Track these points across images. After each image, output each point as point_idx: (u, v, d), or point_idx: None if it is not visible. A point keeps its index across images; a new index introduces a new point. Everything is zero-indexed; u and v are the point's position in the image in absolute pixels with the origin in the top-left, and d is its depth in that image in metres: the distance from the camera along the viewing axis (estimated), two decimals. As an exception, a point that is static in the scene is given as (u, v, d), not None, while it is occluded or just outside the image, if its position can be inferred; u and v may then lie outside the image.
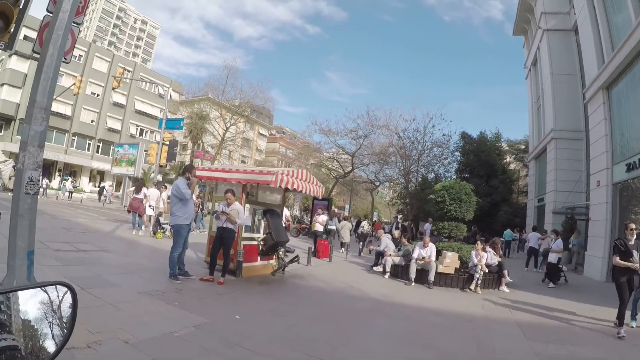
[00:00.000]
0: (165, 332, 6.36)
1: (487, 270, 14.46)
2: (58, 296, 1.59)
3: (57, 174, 57.71)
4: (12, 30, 6.02)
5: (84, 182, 61.63)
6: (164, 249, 13.69)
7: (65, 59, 6.54)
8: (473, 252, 14.57)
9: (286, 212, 22.13)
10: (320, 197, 17.02)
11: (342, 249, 22.57)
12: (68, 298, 1.62)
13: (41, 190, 36.48)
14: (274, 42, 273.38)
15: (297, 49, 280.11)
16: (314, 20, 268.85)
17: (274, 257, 13.25)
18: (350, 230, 25.99)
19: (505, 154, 48.81)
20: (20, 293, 1.50)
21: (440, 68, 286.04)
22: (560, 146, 30.03)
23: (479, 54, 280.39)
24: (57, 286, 1.60)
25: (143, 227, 19.22)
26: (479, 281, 14.14)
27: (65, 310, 1.61)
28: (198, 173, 12.16)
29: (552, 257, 17.08)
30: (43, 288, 1.56)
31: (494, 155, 44.19)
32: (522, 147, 49.26)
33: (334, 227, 21.95)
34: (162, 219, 18.87)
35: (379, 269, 16.35)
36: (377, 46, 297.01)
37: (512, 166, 50.43)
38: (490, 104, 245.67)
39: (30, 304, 1.49)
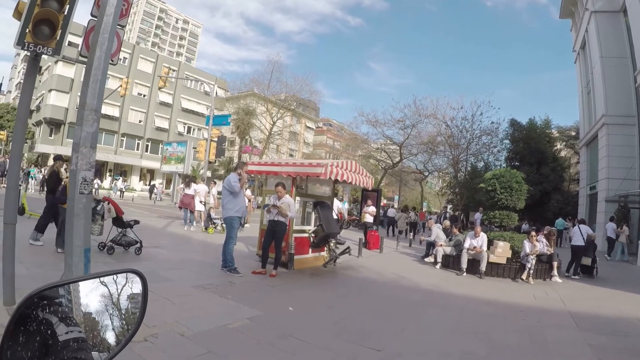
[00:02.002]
0: (219, 325, 6.45)
1: (539, 260, 14.26)
2: (128, 284, 1.62)
3: (108, 174, 58.84)
4: (58, 36, 6.10)
5: (135, 180, 62.84)
6: (215, 244, 13.92)
7: (112, 61, 6.62)
8: (526, 242, 14.37)
9: (340, 205, 22.16)
10: (369, 188, 16.95)
11: (399, 236, 22.96)
12: (138, 286, 1.63)
13: (93, 190, 37.27)
14: (316, 35, 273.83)
15: (339, 41, 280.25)
16: (354, 11, 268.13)
17: (325, 249, 13.38)
18: (407, 221, 27.25)
19: (555, 141, 47.75)
20: (90, 282, 1.52)
21: (485, 56, 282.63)
22: (612, 132, 29.26)
23: (524, 39, 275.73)
24: (128, 274, 1.63)
25: (194, 223, 19.49)
26: (531, 271, 13.94)
27: (136, 298, 1.63)
28: (249, 168, 12.24)
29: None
30: (114, 277, 1.57)
31: (544, 142, 43.25)
32: (573, 133, 48.22)
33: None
34: (213, 214, 19.09)
35: (430, 259, 16.30)
36: (420, 35, 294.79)
37: (562, 153, 49.31)
38: (539, 91, 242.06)
39: (99, 292, 1.51)
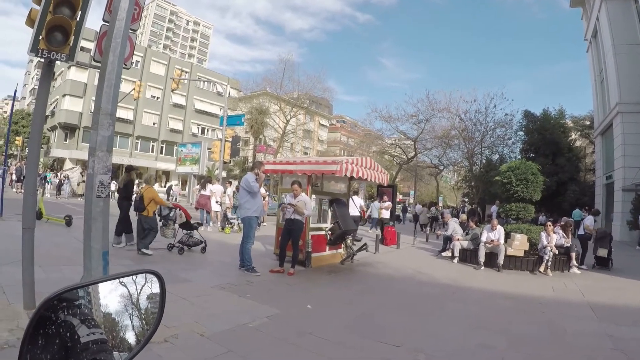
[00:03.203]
0: (238, 324, 6.47)
1: (557, 252, 14.18)
2: (146, 284, 1.63)
3: (123, 176, 59.19)
4: (71, 42, 6.16)
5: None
6: (232, 243, 14.00)
7: (126, 65, 6.66)
8: (543, 234, 14.28)
9: (360, 202, 22.15)
10: (385, 184, 16.91)
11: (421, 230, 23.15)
12: (156, 287, 1.65)
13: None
14: (326, 33, 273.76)
15: (349, 38, 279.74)
16: (363, 7, 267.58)
17: (342, 246, 13.37)
18: (428, 216, 27.95)
19: (570, 131, 47.32)
20: (109, 283, 1.52)
21: (496, 48, 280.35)
22: (627, 120, 29.00)
23: (535, 31, 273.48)
24: (146, 274, 1.64)
25: (211, 223, 19.54)
26: (549, 263, 13.85)
27: (154, 298, 1.64)
28: (264, 167, 12.28)
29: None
30: (132, 277, 1.58)
31: (559, 132, 42.84)
32: (587, 122, 47.75)
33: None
34: (229, 214, 19.16)
35: (448, 254, 16.21)
36: (429, 29, 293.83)
37: (577, 143, 48.86)
38: (552, 81, 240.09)
39: (118, 293, 1.52)
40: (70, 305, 1.33)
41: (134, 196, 13.35)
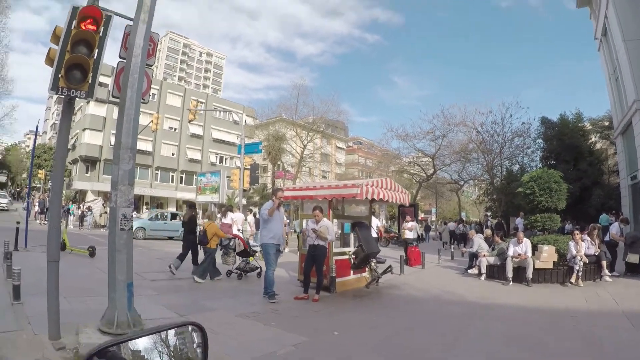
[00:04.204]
0: (266, 353, 6.44)
1: (587, 261, 13.96)
2: (187, 337, 1.62)
3: (144, 207, 59.64)
4: (90, 80, 6.28)
5: (171, 212, 63.48)
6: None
7: (144, 100, 6.83)
8: (571, 243, 14.10)
9: (377, 222, 22.06)
10: (407, 204, 16.79)
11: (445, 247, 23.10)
12: (197, 339, 1.64)
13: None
14: (336, 56, 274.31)
15: (360, 59, 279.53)
16: (371, 28, 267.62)
17: (367, 269, 13.25)
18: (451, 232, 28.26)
19: (589, 134, 46.60)
20: (149, 337, 1.50)
21: (505, 56, 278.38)
22: (646, 116, 28.58)
23: (544, 35, 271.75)
24: (187, 326, 1.65)
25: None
26: (580, 273, 13.66)
27: (195, 352, 1.63)
28: (285, 194, 12.29)
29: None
30: (173, 330, 1.58)
31: (578, 137, 42.03)
32: (606, 123, 47.04)
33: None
34: (251, 242, 19.16)
35: (474, 271, 16.04)
36: (438, 44, 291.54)
37: (598, 145, 48.16)
38: (566, 85, 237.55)
39: (158, 348, 1.50)
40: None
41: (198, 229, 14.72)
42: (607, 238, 16.58)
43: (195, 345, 1.61)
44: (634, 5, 29.46)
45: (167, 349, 1.50)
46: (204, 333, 1.63)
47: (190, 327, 1.63)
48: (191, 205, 15.64)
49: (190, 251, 13.89)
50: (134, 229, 25.65)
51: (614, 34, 31.64)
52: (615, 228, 16.66)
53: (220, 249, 14.08)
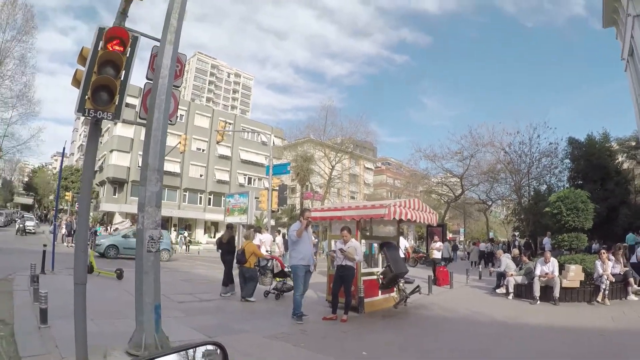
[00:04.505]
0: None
1: (613, 280, 13.96)
2: (209, 356, 1.65)
3: (172, 228, 59.88)
4: (116, 101, 6.31)
5: (199, 234, 63.53)
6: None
7: (171, 122, 6.91)
8: (598, 262, 14.07)
9: (405, 243, 22.09)
10: (434, 224, 16.87)
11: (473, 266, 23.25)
12: (220, 358, 1.67)
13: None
14: (365, 76, 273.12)
15: (388, 80, 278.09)
16: (400, 49, 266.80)
17: (395, 289, 13.25)
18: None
19: (616, 154, 46.15)
20: (172, 356, 1.57)
21: (533, 77, 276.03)
22: (672, 137, 28.36)
23: (570, 55, 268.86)
24: (207, 346, 1.68)
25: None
26: (606, 292, 13.62)
27: None
28: (312, 214, 12.43)
29: None
30: (194, 349, 1.63)
31: (605, 157, 41.68)
32: (633, 143, 46.72)
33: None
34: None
35: (502, 290, 15.99)
36: (466, 65, 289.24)
37: (625, 165, 47.79)
38: (594, 105, 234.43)
39: None
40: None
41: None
42: (633, 259, 16.55)
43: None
44: (660, 25, 29.35)
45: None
46: (225, 352, 1.67)
47: (212, 347, 1.67)
48: (229, 226, 16.12)
49: (228, 271, 14.46)
50: (103, 248, 24.99)
51: (641, 54, 31.46)
52: None
53: (258, 270, 14.26)
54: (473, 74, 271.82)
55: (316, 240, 24.04)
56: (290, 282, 13.15)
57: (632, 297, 14.03)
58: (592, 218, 16.55)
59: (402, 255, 17.63)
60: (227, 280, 14.33)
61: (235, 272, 14.10)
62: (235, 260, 14.31)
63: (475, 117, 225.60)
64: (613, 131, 54.65)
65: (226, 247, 15.05)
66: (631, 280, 14.22)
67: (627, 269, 14.56)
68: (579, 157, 41.59)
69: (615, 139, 46.62)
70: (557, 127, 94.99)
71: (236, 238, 17.33)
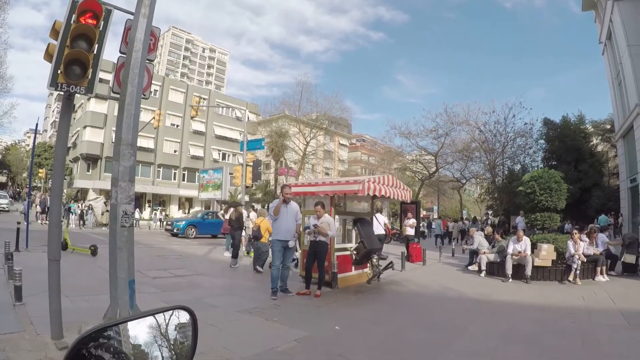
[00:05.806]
0: (267, 348, 6.46)
1: (585, 260, 14.04)
2: (177, 321, 1.63)
3: (147, 204, 59.57)
4: (89, 75, 6.28)
5: (174, 210, 63.17)
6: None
7: (144, 95, 6.78)
8: (570, 242, 14.18)
9: (384, 219, 22.01)
10: (408, 201, 16.83)
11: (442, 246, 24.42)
12: (188, 322, 1.66)
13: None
14: (341, 53, 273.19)
15: (364, 57, 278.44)
16: (376, 26, 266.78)
17: (368, 265, 13.30)
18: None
19: (591, 136, 46.60)
20: (141, 320, 1.54)
21: (510, 58, 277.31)
22: (647, 121, 28.57)
23: (548, 37, 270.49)
24: (176, 311, 1.65)
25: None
26: (578, 272, 13.74)
27: (186, 334, 1.65)
28: (291, 190, 12.32)
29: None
30: (163, 314, 1.60)
31: (580, 138, 42.20)
32: (608, 126, 46.95)
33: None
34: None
35: (474, 267, 16.18)
36: (443, 44, 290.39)
37: (599, 148, 48.17)
38: (570, 87, 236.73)
39: (150, 331, 1.54)
40: (103, 343, 1.36)
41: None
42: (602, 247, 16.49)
43: (184, 327, 1.65)
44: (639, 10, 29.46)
45: (157, 332, 1.54)
46: (194, 316, 1.66)
47: (180, 311, 1.65)
48: (235, 204, 18.51)
49: (233, 243, 16.79)
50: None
51: (619, 38, 31.62)
52: (602, 237, 16.61)
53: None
54: (450, 53, 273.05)
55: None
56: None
57: (600, 278, 14.06)
58: (565, 198, 16.66)
59: (382, 232, 17.61)
60: (236, 253, 16.25)
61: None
62: (252, 236, 16.43)
63: (450, 96, 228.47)
64: (589, 113, 55.25)
65: (236, 223, 17.14)
66: (602, 268, 14.25)
67: (600, 255, 14.54)
68: (553, 138, 41.96)
69: (590, 121, 47.23)
70: (533, 108, 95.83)
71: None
